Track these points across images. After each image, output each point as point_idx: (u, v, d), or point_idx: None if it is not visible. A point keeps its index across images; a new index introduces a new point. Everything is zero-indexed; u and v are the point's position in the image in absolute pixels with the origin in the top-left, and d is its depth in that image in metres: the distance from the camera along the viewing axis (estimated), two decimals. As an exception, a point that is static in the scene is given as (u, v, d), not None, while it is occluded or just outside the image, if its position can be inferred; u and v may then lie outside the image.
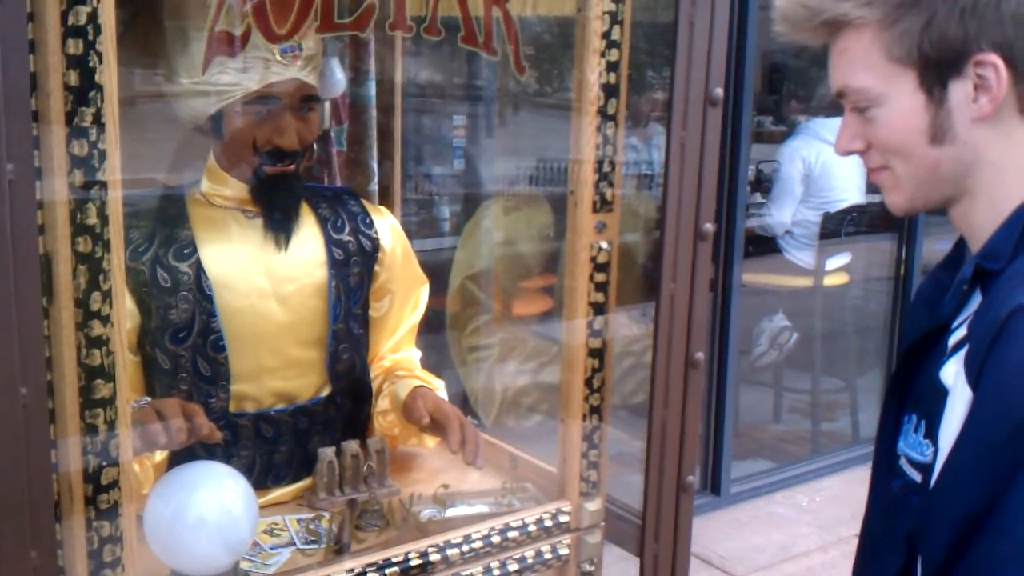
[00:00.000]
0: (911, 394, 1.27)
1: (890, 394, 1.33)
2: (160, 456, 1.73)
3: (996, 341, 1.09)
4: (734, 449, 4.65)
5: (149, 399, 1.67)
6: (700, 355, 1.69)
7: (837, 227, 5.36)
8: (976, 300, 1.20)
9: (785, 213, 5.39)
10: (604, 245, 1.66)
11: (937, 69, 1.18)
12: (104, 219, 1.23)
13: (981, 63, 1.16)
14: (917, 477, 1.21)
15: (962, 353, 1.16)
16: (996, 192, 1.21)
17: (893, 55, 1.19)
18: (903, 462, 1.25)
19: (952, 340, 1.21)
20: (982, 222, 1.23)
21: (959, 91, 1.18)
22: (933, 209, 1.28)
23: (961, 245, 1.34)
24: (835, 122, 5.53)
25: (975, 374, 1.11)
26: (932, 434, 1.19)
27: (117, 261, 1.25)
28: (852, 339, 5.46)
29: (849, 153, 1.28)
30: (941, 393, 1.18)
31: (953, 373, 1.17)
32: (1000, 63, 1.15)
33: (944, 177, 1.22)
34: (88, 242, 1.22)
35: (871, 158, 1.27)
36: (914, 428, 1.23)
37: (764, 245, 5.45)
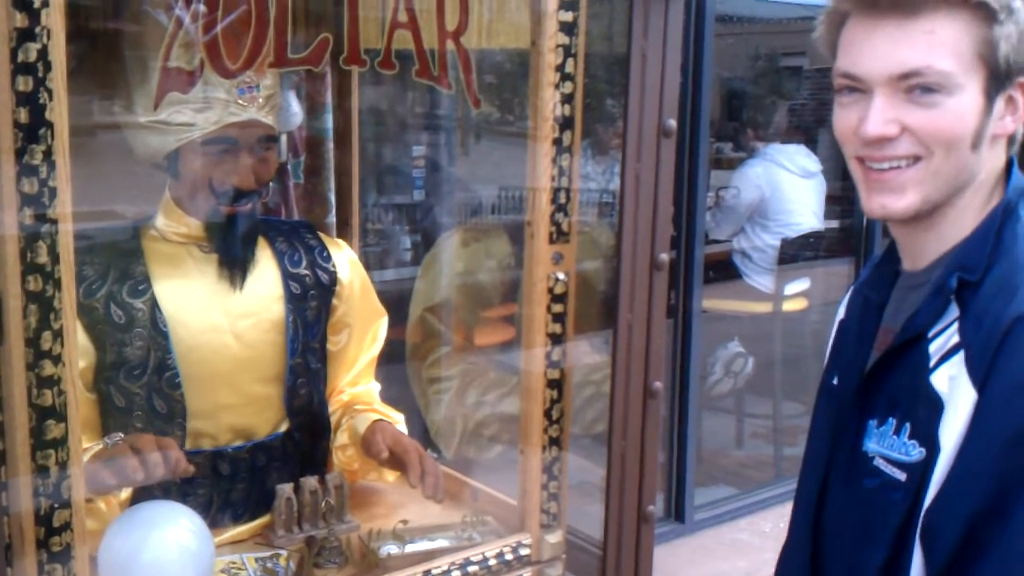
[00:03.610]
0: (880, 399, 1.31)
1: (850, 402, 1.36)
2: (125, 493, 1.70)
3: (1002, 347, 1.15)
4: (697, 476, 4.65)
5: (122, 435, 1.64)
6: (658, 385, 1.69)
7: (796, 252, 5.42)
8: (952, 310, 1.24)
9: (724, 232, 5.46)
10: (561, 276, 1.67)
11: (1001, 79, 1.23)
12: (55, 257, 1.22)
13: (1023, 85, 1.24)
14: (900, 476, 1.25)
15: (955, 359, 1.21)
16: (967, 210, 1.27)
17: (980, 52, 1.21)
18: (879, 462, 1.28)
19: (934, 347, 1.25)
20: (945, 236, 1.28)
21: (999, 105, 1.24)
22: (921, 216, 1.28)
23: (886, 263, 1.39)
24: (791, 148, 5.52)
25: (981, 377, 1.16)
26: (921, 435, 1.23)
27: (68, 299, 1.24)
28: (812, 364, 5.49)
29: (881, 137, 1.25)
30: (933, 397, 1.22)
31: (947, 378, 1.21)
32: None
33: (957, 183, 1.26)
34: (39, 280, 1.21)
35: (900, 144, 1.25)
36: (894, 430, 1.27)
37: (724, 271, 5.48)
